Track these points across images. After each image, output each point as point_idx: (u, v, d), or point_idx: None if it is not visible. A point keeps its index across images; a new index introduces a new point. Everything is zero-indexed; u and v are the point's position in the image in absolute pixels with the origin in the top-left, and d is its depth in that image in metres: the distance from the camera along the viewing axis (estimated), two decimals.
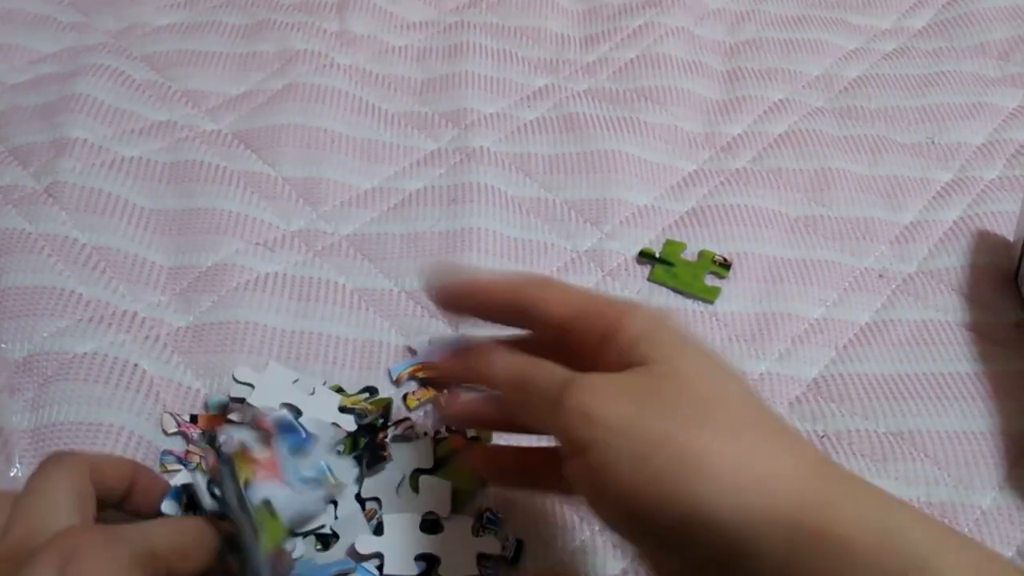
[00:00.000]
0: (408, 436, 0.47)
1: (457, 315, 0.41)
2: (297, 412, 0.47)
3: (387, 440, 0.47)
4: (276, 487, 0.40)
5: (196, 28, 0.76)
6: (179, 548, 0.35)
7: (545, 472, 0.39)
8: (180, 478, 0.42)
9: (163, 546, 0.34)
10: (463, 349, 0.39)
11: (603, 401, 0.31)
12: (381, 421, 0.48)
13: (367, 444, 0.47)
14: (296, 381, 0.49)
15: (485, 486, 0.46)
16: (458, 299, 0.39)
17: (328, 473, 0.43)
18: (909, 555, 0.26)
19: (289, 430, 0.43)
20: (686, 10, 0.81)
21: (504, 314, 0.38)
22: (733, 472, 0.28)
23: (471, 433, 0.48)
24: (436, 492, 0.45)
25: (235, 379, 0.49)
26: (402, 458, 0.46)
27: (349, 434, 0.47)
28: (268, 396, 0.48)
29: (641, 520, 0.30)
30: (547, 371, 0.34)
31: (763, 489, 0.28)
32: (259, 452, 0.41)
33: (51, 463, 0.36)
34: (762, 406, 0.32)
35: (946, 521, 0.46)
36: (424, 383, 0.51)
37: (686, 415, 0.30)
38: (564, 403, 0.31)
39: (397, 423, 0.48)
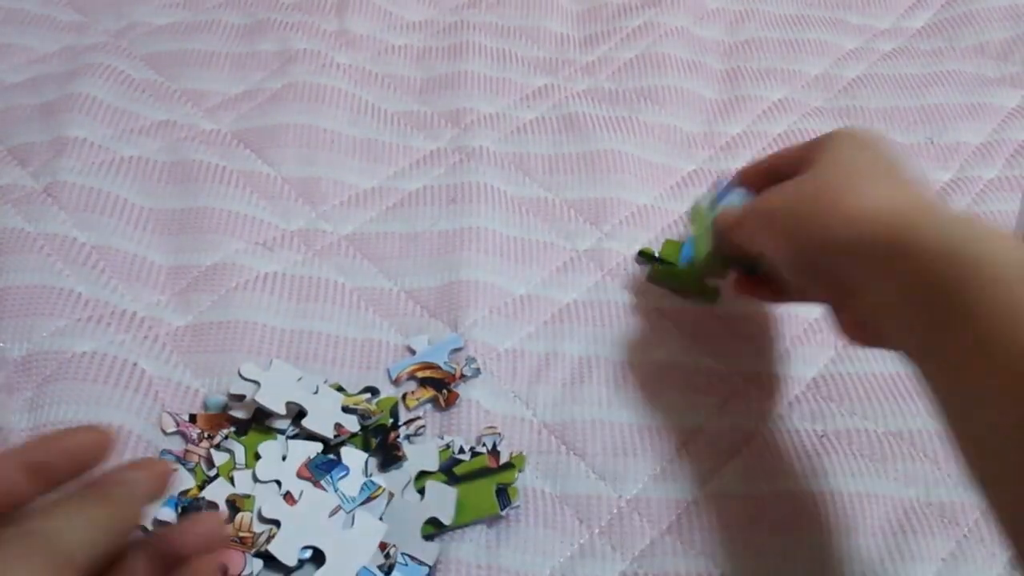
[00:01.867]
0: (419, 433, 0.48)
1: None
2: (301, 411, 0.47)
3: (399, 440, 0.47)
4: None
5: (196, 28, 0.76)
6: (94, 544, 0.32)
7: None
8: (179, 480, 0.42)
9: (79, 547, 0.31)
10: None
11: (772, 198, 0.45)
12: (391, 421, 0.48)
13: (379, 444, 0.47)
14: (300, 379, 0.49)
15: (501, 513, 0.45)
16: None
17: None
18: (966, 254, 0.35)
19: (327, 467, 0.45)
20: (685, 10, 0.81)
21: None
22: (852, 208, 0.40)
23: (504, 459, 0.47)
24: (442, 498, 0.45)
25: (241, 375, 0.49)
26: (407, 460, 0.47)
27: (355, 434, 0.47)
28: (273, 393, 0.48)
29: (806, 266, 0.43)
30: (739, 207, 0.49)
31: (868, 216, 0.39)
32: None
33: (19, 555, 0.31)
34: (889, 169, 0.43)
35: (945, 521, 0.46)
36: (423, 382, 0.51)
37: (827, 184, 0.42)
38: (752, 213, 0.47)
39: (408, 422, 0.48)
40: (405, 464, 0.46)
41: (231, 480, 0.45)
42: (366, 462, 0.46)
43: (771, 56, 0.77)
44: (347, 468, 0.46)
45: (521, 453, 0.48)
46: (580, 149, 0.66)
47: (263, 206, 0.60)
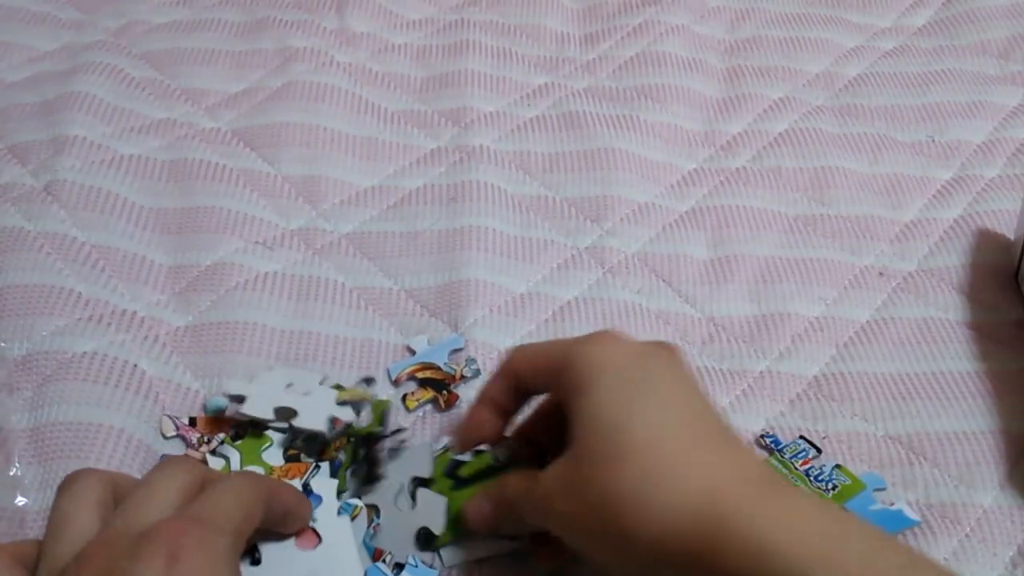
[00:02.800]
0: (402, 448, 0.47)
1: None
2: (292, 414, 0.47)
3: (382, 455, 0.46)
4: None
5: (195, 26, 0.75)
6: (251, 515, 0.36)
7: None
8: None
9: (243, 520, 0.35)
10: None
11: (550, 501, 0.37)
12: (379, 429, 0.47)
13: (364, 457, 0.46)
14: (290, 385, 0.49)
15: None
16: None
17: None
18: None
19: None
20: (686, 8, 0.81)
21: (508, 404, 0.43)
22: (641, 535, 0.33)
23: (500, 459, 0.45)
24: (433, 507, 0.44)
25: (226, 395, 0.48)
26: (400, 466, 0.46)
27: (348, 440, 0.47)
28: (261, 403, 0.47)
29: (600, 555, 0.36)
30: (512, 488, 0.40)
31: (663, 541, 0.33)
32: None
33: (167, 464, 0.36)
34: (675, 428, 0.35)
35: (947, 521, 0.46)
36: (423, 383, 0.51)
37: (599, 491, 0.34)
38: (530, 509, 0.39)
39: (393, 433, 0.47)
40: (389, 478, 0.45)
41: None
42: (337, 489, 0.45)
43: (772, 54, 0.77)
44: (319, 497, 0.44)
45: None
46: (580, 147, 0.66)
47: (263, 205, 0.60)
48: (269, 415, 0.47)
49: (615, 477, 0.34)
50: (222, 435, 0.47)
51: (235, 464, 0.46)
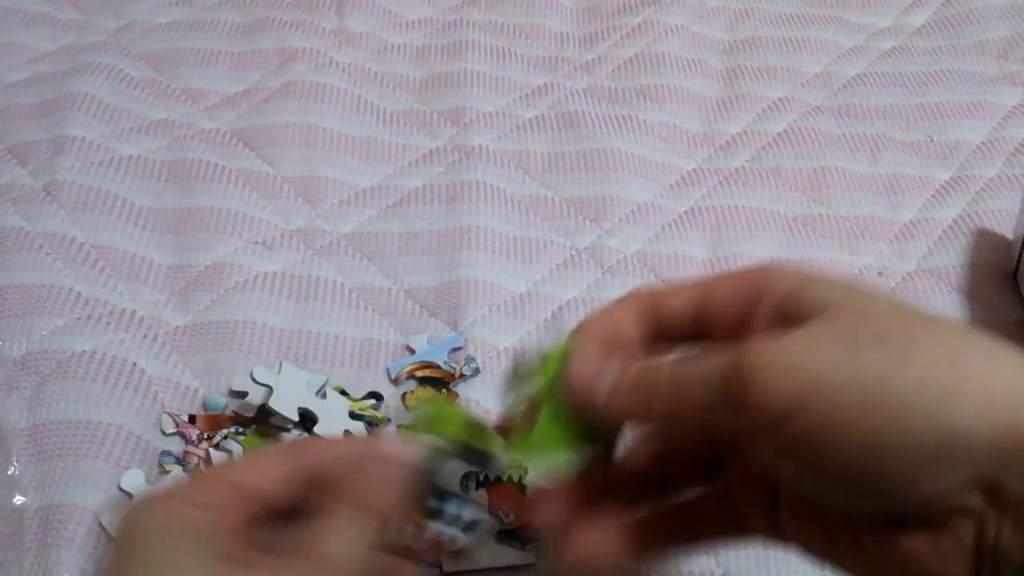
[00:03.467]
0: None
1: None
2: (311, 417, 0.47)
3: None
4: None
5: (195, 26, 0.75)
6: (366, 554, 0.31)
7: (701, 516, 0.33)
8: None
9: (357, 563, 0.31)
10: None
11: (802, 353, 0.26)
12: None
13: None
14: (308, 383, 0.49)
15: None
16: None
17: None
18: None
19: None
20: (685, 8, 0.81)
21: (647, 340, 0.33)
22: (983, 387, 0.25)
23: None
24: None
25: (253, 379, 0.48)
26: None
27: None
28: (286, 399, 0.47)
29: (879, 469, 0.25)
30: (697, 362, 0.29)
31: (1013, 399, 0.25)
32: None
33: None
34: (966, 332, 0.27)
35: None
36: (423, 382, 0.51)
37: (904, 345, 0.26)
38: (747, 375, 0.26)
39: None
40: None
41: None
42: None
43: (771, 54, 0.77)
44: None
45: None
46: (580, 147, 0.66)
47: (262, 205, 0.60)
48: (293, 414, 0.47)
49: (932, 338, 0.26)
50: (225, 431, 0.47)
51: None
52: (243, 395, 0.48)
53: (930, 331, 0.27)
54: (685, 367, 0.30)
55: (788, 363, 0.26)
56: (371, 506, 0.32)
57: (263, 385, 0.48)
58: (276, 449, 0.34)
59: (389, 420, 0.48)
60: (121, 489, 0.44)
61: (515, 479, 0.45)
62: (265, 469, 0.32)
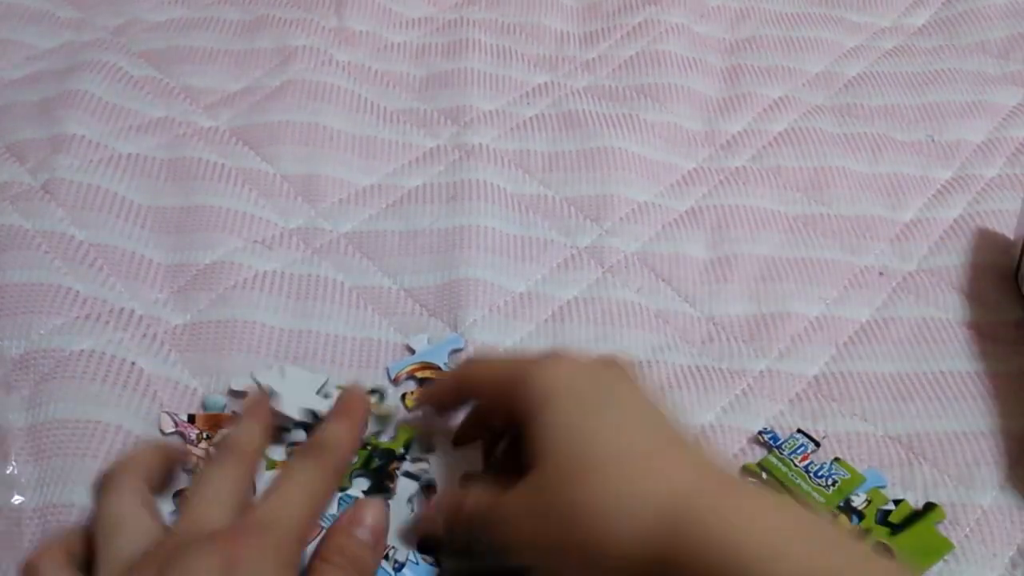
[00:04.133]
0: (417, 475, 0.45)
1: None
2: (315, 417, 0.46)
3: (398, 473, 0.45)
4: None
5: (194, 24, 0.75)
6: (318, 511, 0.35)
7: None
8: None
9: (310, 520, 0.35)
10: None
11: (511, 524, 0.36)
12: (401, 451, 0.46)
13: (377, 468, 0.45)
14: (310, 383, 0.48)
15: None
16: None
17: None
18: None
19: None
20: (686, 7, 0.81)
21: (456, 404, 0.45)
22: (601, 552, 0.33)
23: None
24: None
25: (256, 381, 0.47)
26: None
27: (365, 447, 0.46)
28: (291, 402, 0.46)
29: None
30: (470, 507, 0.39)
31: (625, 554, 0.32)
32: None
33: (221, 457, 0.36)
34: (631, 442, 0.35)
35: (946, 521, 0.46)
36: (423, 382, 0.50)
37: (559, 511, 0.34)
38: (490, 529, 0.37)
39: (415, 460, 0.46)
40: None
41: None
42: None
43: (772, 54, 0.77)
44: None
45: None
46: (580, 146, 0.66)
47: (262, 204, 0.60)
48: (300, 416, 0.46)
49: (581, 492, 0.34)
50: (224, 430, 0.47)
51: None
52: (243, 395, 0.48)
53: (600, 454, 0.35)
54: (466, 515, 0.39)
55: (503, 532, 0.37)
56: (243, 448, 0.37)
57: (237, 393, 0.47)
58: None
59: (393, 415, 0.48)
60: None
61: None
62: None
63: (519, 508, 0.36)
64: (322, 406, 0.47)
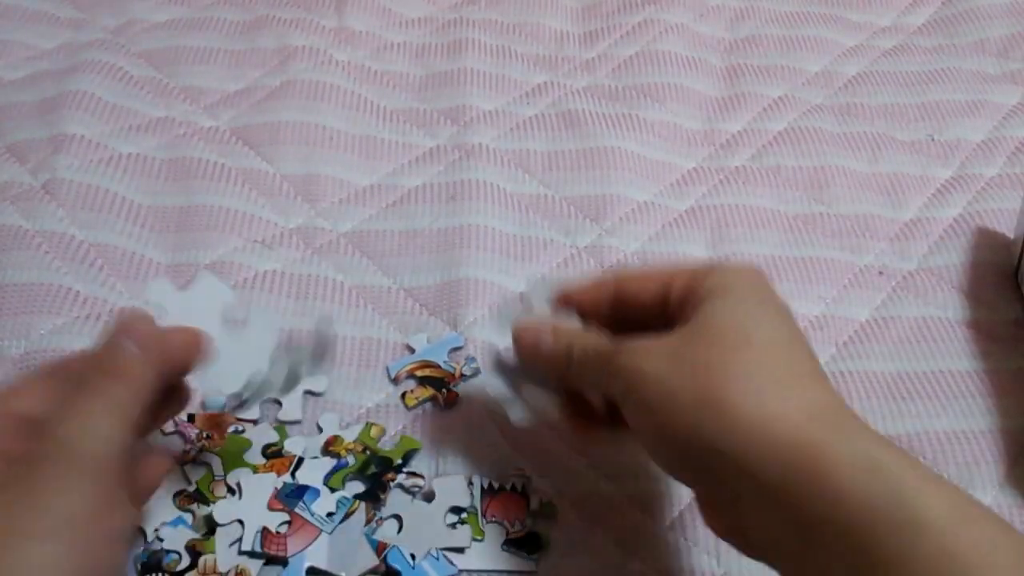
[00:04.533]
0: (412, 491, 0.45)
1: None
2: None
3: (392, 485, 0.45)
4: None
5: (194, 24, 0.75)
6: (121, 435, 0.34)
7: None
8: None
9: (105, 443, 0.33)
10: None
11: (644, 360, 0.36)
12: (399, 462, 0.46)
13: (373, 475, 0.45)
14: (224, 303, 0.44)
15: None
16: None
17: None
18: (887, 489, 0.30)
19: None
20: (685, 7, 0.81)
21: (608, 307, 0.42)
22: (744, 414, 0.32)
23: (533, 504, 0.45)
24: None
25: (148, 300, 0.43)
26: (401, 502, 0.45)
27: (364, 451, 0.46)
28: (218, 376, 0.42)
29: (675, 455, 0.36)
30: (594, 340, 0.39)
31: (766, 428, 0.32)
32: None
33: (98, 378, 0.34)
34: (790, 349, 0.35)
35: None
36: (422, 381, 0.51)
37: (710, 365, 0.34)
38: (612, 366, 0.37)
39: (410, 474, 0.46)
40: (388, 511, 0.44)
41: (211, 494, 0.44)
42: (329, 485, 0.45)
43: (771, 53, 0.77)
44: (317, 490, 0.44)
45: (551, 501, 0.46)
46: (580, 146, 0.66)
47: (262, 204, 0.60)
48: (229, 394, 0.44)
49: (734, 360, 0.34)
50: (201, 444, 0.46)
51: (218, 470, 0.45)
52: (239, 396, 0.48)
53: (738, 355, 0.34)
54: (586, 344, 0.39)
55: (632, 365, 0.36)
56: (120, 373, 0.35)
57: (235, 395, 0.44)
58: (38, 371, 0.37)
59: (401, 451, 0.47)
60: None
61: (518, 488, 0.45)
62: (29, 390, 0.35)
63: (658, 350, 0.36)
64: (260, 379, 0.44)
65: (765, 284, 0.38)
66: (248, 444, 0.46)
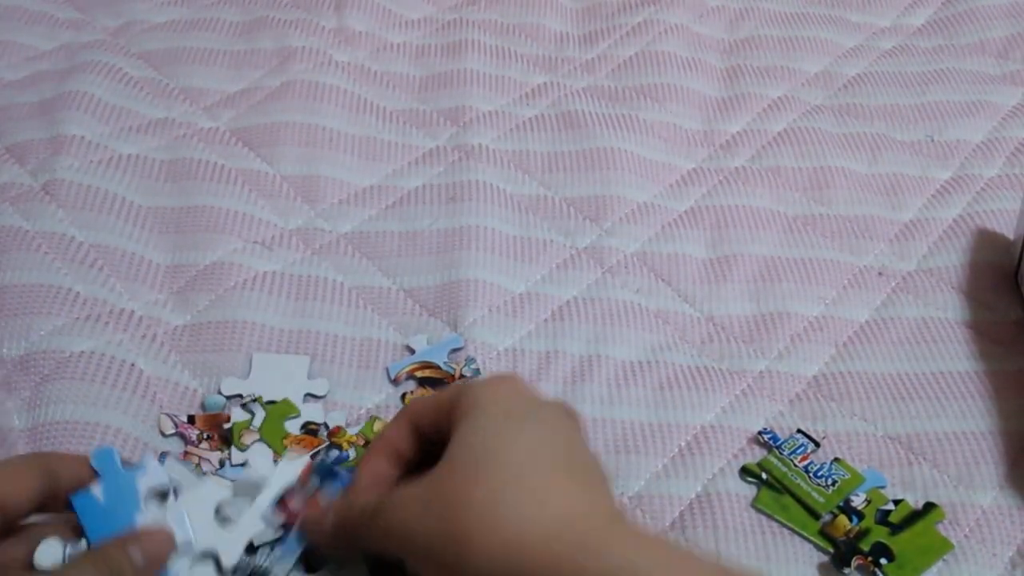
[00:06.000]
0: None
1: None
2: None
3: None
4: None
5: (194, 25, 0.75)
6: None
7: None
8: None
9: None
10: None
11: (401, 511, 0.36)
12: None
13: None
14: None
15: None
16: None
17: None
18: None
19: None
20: (685, 7, 0.81)
21: (407, 450, 0.41)
22: (483, 546, 0.33)
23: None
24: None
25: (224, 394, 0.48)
26: None
27: (365, 445, 0.46)
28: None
29: None
30: (346, 506, 0.39)
31: (508, 555, 0.32)
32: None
33: None
34: (544, 458, 0.35)
35: (946, 521, 0.46)
36: (422, 382, 0.51)
37: (455, 500, 0.34)
38: (376, 528, 0.37)
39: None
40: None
41: (239, 441, 0.45)
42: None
43: (771, 54, 0.77)
44: (344, 479, 0.43)
45: None
46: (579, 147, 0.66)
47: (262, 204, 0.60)
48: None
49: (471, 487, 0.34)
50: (256, 393, 0.48)
51: (257, 421, 0.47)
52: (237, 397, 0.48)
53: (504, 461, 0.35)
54: (346, 511, 0.39)
55: (391, 521, 0.36)
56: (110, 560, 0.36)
57: (233, 396, 0.48)
58: (21, 460, 0.38)
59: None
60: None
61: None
62: (12, 481, 0.36)
63: (413, 495, 0.36)
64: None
65: (518, 392, 0.38)
66: (296, 412, 0.48)
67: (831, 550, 0.44)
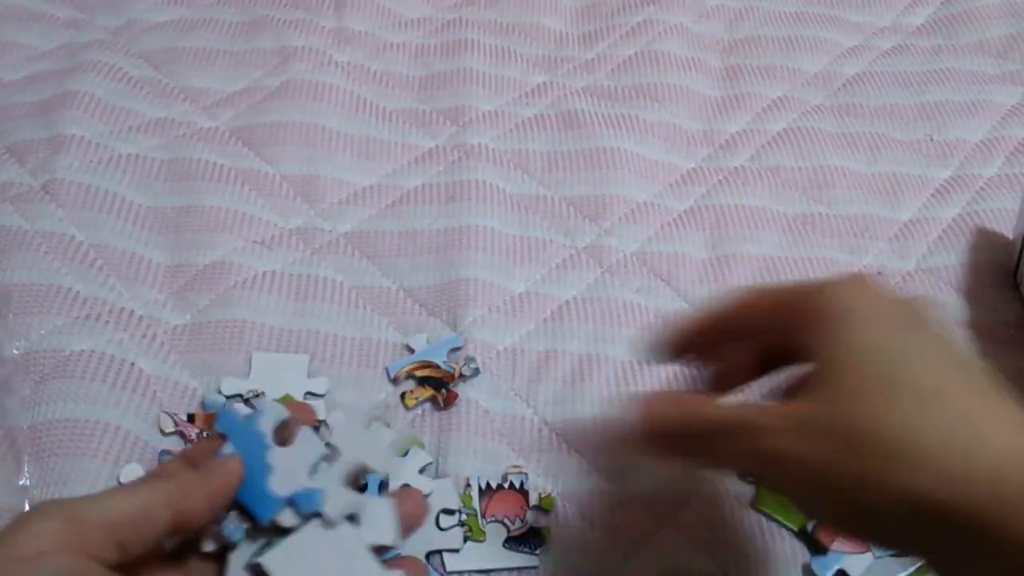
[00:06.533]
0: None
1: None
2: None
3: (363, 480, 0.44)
4: None
5: (194, 25, 0.75)
6: (121, 514, 0.32)
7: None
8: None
9: (99, 512, 0.31)
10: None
11: (783, 440, 0.31)
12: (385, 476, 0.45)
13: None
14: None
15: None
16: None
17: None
18: None
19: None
20: (684, 7, 0.81)
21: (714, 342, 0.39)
22: (917, 456, 0.28)
23: (532, 500, 0.45)
24: (379, 516, 0.38)
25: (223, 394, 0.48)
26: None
27: None
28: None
29: (865, 529, 0.31)
30: (714, 412, 0.34)
31: (961, 471, 0.27)
32: None
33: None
34: (954, 372, 0.30)
35: None
36: (422, 381, 0.51)
37: (863, 432, 0.29)
38: (750, 448, 0.31)
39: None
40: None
41: None
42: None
43: (770, 53, 0.77)
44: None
45: (551, 495, 0.46)
46: (579, 146, 0.66)
47: (261, 204, 0.60)
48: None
49: (880, 417, 0.29)
50: (259, 389, 0.49)
51: None
52: (235, 397, 0.48)
53: (919, 379, 0.30)
54: (702, 411, 0.34)
55: (777, 451, 0.31)
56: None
57: (231, 397, 0.48)
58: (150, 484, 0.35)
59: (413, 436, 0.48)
60: (120, 484, 0.44)
61: (516, 485, 0.45)
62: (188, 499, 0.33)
63: (796, 419, 0.30)
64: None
65: (886, 295, 0.33)
66: None
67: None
